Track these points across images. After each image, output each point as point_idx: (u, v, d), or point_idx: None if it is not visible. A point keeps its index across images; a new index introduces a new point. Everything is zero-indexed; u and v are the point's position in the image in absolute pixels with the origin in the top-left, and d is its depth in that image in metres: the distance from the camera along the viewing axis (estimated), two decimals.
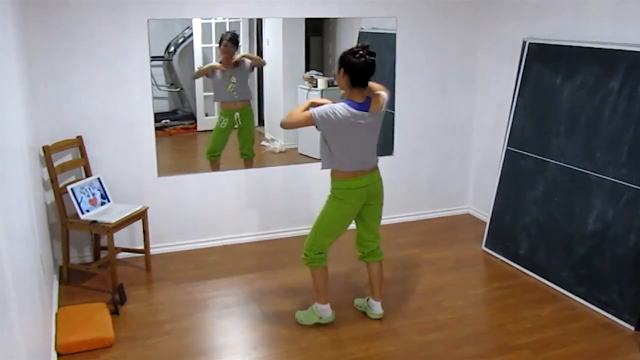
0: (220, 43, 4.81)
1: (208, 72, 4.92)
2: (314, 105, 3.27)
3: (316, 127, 3.23)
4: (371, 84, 3.32)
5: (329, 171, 3.41)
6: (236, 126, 4.95)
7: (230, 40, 4.81)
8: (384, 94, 3.36)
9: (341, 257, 4.49)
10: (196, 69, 5.01)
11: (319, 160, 3.44)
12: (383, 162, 3.59)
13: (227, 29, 4.92)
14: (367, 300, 3.71)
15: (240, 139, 5.01)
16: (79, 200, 3.95)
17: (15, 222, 2.39)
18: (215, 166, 4.92)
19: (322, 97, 5.18)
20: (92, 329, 3.37)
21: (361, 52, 3.16)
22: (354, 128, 3.21)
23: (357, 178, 3.33)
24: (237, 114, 4.92)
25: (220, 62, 4.86)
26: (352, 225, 3.55)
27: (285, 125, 3.33)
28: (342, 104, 3.21)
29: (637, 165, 3.56)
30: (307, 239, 3.50)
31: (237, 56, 4.90)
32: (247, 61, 4.97)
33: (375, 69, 3.22)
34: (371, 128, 3.30)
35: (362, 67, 3.17)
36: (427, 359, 3.27)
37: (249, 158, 5.06)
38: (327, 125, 3.20)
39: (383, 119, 3.38)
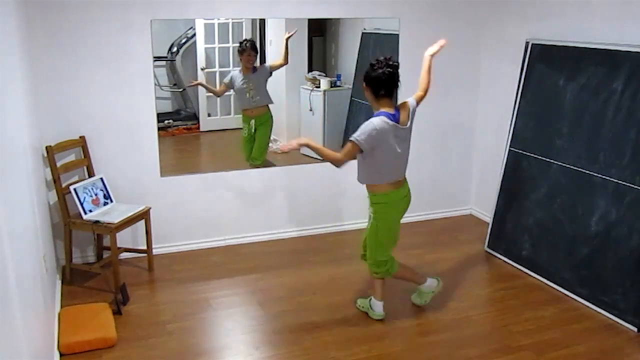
0: (241, 52, 4.84)
1: (228, 84, 4.95)
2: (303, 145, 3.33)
3: (361, 151, 3.25)
4: None
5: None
6: (252, 131, 4.97)
7: (252, 49, 4.85)
8: (410, 99, 3.43)
9: (343, 257, 4.50)
10: (200, 74, 5.04)
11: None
12: None
13: (230, 30, 4.93)
14: (370, 300, 3.71)
15: (253, 143, 5.01)
16: (81, 200, 3.95)
17: (18, 222, 2.39)
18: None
19: (324, 97, 5.22)
20: (94, 329, 3.38)
21: (379, 64, 3.24)
22: (392, 139, 3.27)
23: (397, 190, 3.40)
24: (252, 121, 4.96)
25: (240, 70, 4.90)
26: (362, 225, 3.54)
27: (339, 166, 3.32)
28: (379, 117, 3.25)
29: None
30: (368, 259, 3.56)
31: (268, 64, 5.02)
32: (267, 66, 4.99)
33: (397, 80, 3.28)
34: (405, 137, 3.36)
35: (379, 79, 3.25)
36: (430, 359, 3.27)
37: (258, 164, 4.99)
38: (371, 144, 3.22)
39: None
